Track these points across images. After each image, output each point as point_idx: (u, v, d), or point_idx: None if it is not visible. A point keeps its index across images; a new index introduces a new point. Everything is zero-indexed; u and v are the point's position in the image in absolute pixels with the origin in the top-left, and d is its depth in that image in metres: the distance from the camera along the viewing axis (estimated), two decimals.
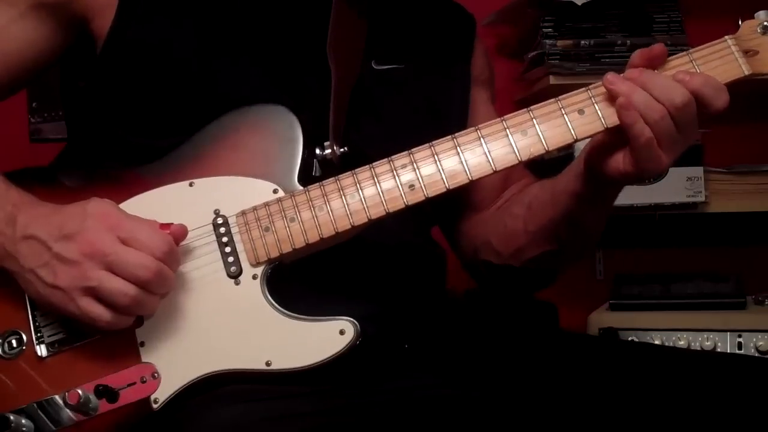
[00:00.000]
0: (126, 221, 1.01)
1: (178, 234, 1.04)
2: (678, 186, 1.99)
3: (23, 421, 1.04)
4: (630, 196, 1.99)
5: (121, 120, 1.18)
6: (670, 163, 1.03)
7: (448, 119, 1.27)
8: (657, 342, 1.92)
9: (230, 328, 1.05)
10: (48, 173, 1.21)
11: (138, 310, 1.02)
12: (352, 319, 1.03)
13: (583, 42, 2.02)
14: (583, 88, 1.05)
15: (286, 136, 1.10)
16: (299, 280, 1.08)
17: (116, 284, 0.98)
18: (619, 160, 1.05)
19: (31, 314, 1.08)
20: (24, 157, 2.21)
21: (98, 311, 1.00)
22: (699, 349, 1.90)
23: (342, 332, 1.02)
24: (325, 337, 1.02)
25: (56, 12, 1.17)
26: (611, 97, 1.03)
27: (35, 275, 1.02)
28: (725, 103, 1.02)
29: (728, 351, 1.89)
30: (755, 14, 1.05)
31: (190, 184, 1.10)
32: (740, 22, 1.05)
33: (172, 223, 1.04)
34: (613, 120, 1.03)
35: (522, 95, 2.17)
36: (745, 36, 1.05)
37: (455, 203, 1.34)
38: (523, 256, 1.27)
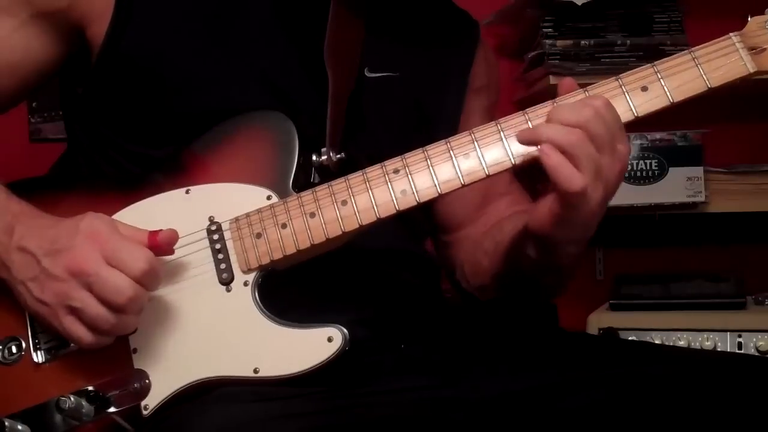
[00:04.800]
0: (112, 240, 1.01)
1: (168, 239, 1.04)
2: (678, 186, 1.99)
3: (19, 426, 1.05)
4: (630, 196, 2.00)
5: (118, 128, 1.19)
6: (597, 201, 1.00)
7: (437, 128, 1.26)
8: (657, 342, 1.92)
9: (220, 334, 1.05)
10: (48, 182, 1.22)
11: (117, 332, 1.03)
12: (340, 326, 1.02)
13: (583, 42, 2.01)
14: (581, 89, 1.05)
15: (282, 142, 1.10)
16: (293, 287, 1.09)
17: (98, 310, 1.00)
18: (552, 205, 1.01)
19: (30, 321, 1.09)
20: (24, 157, 2.22)
21: (80, 332, 1.01)
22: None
23: (330, 339, 1.02)
24: (313, 345, 1.02)
25: (55, 20, 1.17)
26: (609, 98, 1.02)
27: (25, 287, 1.04)
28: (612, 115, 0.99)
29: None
30: (766, 10, 1.04)
31: (187, 191, 1.10)
32: (749, 18, 1.04)
33: (161, 230, 1.04)
34: None
35: (522, 95, 2.17)
36: (751, 32, 1.03)
37: (436, 218, 1.34)
38: (486, 294, 1.30)
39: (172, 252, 1.05)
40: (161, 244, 1.03)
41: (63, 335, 1.04)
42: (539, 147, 0.99)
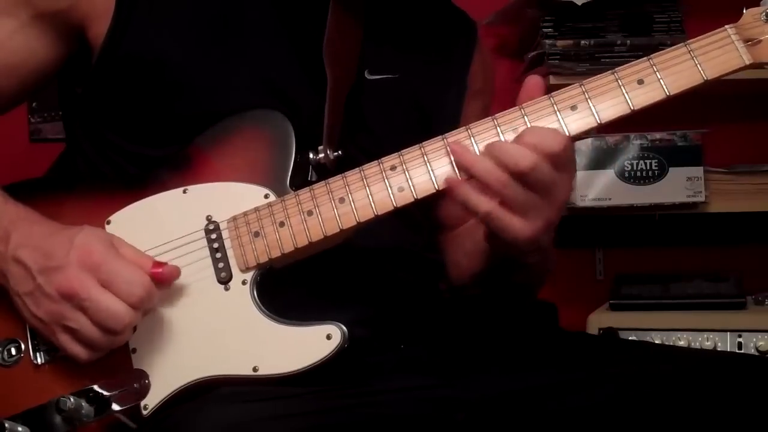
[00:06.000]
0: (108, 261, 1.01)
1: (170, 276, 1.04)
2: (678, 186, 1.99)
3: (19, 428, 1.04)
4: (630, 196, 2.00)
5: (116, 128, 1.19)
6: (536, 229, 1.01)
7: (438, 128, 1.26)
8: (657, 342, 1.92)
9: (219, 333, 1.05)
10: (46, 184, 1.22)
11: (113, 348, 1.03)
12: (338, 323, 1.02)
13: (583, 42, 2.01)
14: (576, 84, 1.04)
15: (279, 141, 1.10)
16: (293, 286, 1.09)
17: (93, 333, 1.00)
18: (482, 230, 1.06)
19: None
20: (24, 157, 2.22)
21: (75, 350, 1.02)
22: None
23: (329, 337, 1.02)
24: (312, 342, 1.02)
25: (56, 21, 1.17)
26: (605, 92, 1.03)
27: (22, 301, 1.04)
28: (561, 144, 1.00)
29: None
30: (762, 1, 1.04)
31: (184, 191, 1.10)
32: (744, 10, 1.03)
33: (166, 264, 1.04)
34: (605, 116, 1.03)
35: None
36: (747, 24, 1.02)
37: (431, 218, 1.35)
38: (465, 291, 1.32)
39: (169, 287, 1.05)
40: (162, 279, 1.03)
41: (60, 350, 1.04)
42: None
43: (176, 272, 1.05)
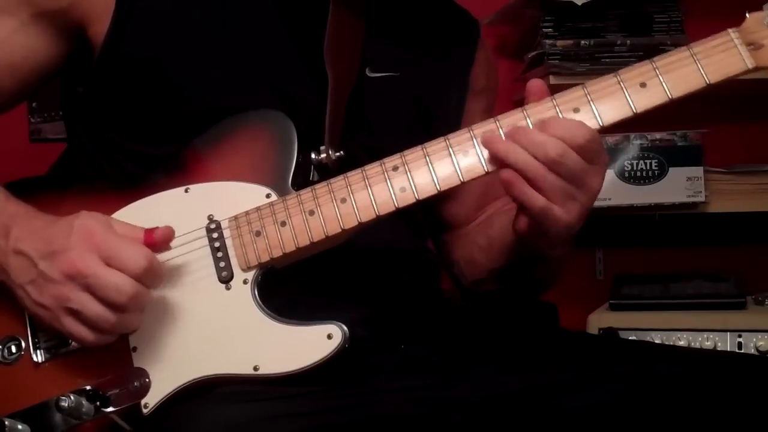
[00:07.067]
0: (108, 239, 1.01)
1: (165, 237, 1.04)
2: (678, 186, 1.99)
3: (19, 425, 1.05)
4: (630, 196, 2.00)
5: (118, 127, 1.19)
6: (573, 218, 1.03)
7: (439, 127, 1.27)
8: (657, 342, 1.92)
9: (220, 332, 1.05)
10: (48, 182, 1.22)
11: (120, 330, 1.03)
12: (339, 323, 1.02)
13: (583, 42, 2.01)
14: (579, 86, 1.05)
15: (281, 140, 1.10)
16: (293, 286, 1.09)
17: (97, 310, 1.00)
18: (521, 222, 1.06)
19: (29, 320, 1.09)
20: (24, 157, 2.22)
21: (82, 333, 1.01)
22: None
23: (330, 336, 1.02)
24: (312, 342, 1.02)
25: (56, 20, 1.18)
26: (608, 94, 1.03)
27: (24, 291, 1.04)
28: (585, 137, 1.00)
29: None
30: (764, 5, 1.04)
31: (186, 190, 1.10)
32: (747, 15, 1.04)
33: (157, 228, 1.04)
34: (609, 117, 1.03)
35: (521, 95, 2.17)
36: (750, 28, 1.03)
37: (436, 217, 1.35)
38: (481, 287, 1.32)
39: (168, 248, 1.05)
40: (158, 241, 1.04)
41: (66, 336, 1.04)
42: (502, 170, 1.02)
43: (170, 232, 1.05)
